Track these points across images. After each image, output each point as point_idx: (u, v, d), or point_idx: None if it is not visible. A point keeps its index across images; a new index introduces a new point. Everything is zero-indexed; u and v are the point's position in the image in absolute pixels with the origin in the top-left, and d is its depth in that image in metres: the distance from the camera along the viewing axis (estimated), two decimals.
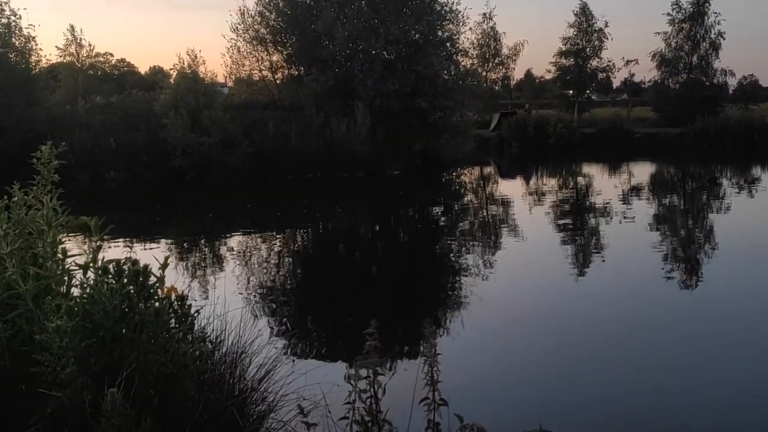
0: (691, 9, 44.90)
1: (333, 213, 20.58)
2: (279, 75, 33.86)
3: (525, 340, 8.02)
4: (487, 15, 50.66)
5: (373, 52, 29.88)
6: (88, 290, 4.05)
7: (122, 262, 4.09)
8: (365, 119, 28.25)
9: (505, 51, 52.07)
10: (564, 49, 48.74)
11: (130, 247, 12.15)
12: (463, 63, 36.03)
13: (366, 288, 11.18)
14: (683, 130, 40.68)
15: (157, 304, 4.11)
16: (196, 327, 4.49)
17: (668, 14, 45.50)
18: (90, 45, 49.62)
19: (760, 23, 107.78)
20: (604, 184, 26.88)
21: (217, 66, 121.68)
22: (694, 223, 17.47)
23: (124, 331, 3.97)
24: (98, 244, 4.09)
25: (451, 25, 31.94)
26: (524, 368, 7.13)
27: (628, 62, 51.05)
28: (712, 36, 45.16)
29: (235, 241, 15.33)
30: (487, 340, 8.12)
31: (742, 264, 12.04)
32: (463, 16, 32.50)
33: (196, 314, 4.44)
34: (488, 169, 36.29)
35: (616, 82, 57.12)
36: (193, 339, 4.24)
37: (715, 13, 44.98)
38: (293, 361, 6.93)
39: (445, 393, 3.08)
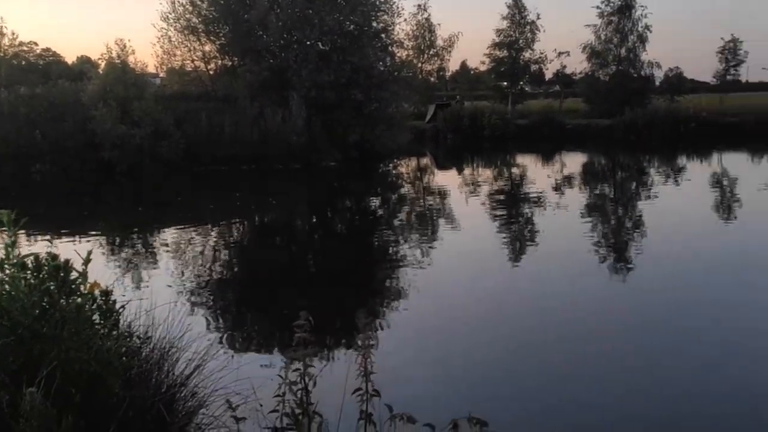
0: (619, 2, 45.99)
1: (268, 205, 20.35)
2: (212, 65, 33.29)
3: (460, 330, 8.06)
4: (422, 6, 50.81)
5: (308, 42, 29.64)
6: (5, 287, 3.87)
7: (41, 257, 3.92)
8: (300, 110, 28.01)
9: (440, 42, 52.36)
10: (497, 41, 49.37)
11: (53, 243, 11.74)
12: (398, 54, 36.15)
13: (301, 280, 11.07)
14: (613, 121, 41.67)
15: (79, 299, 3.94)
16: (122, 323, 4.34)
17: (597, 7, 46.55)
18: (13, 34, 47.92)
19: (684, 17, 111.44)
20: (537, 175, 27.34)
21: (147, 56, 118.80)
22: (625, 211, 17.92)
23: (44, 328, 3.79)
24: (13, 238, 3.89)
25: (386, 16, 31.94)
26: (458, 357, 7.16)
27: (559, 54, 51.98)
28: (640, 29, 46.40)
29: (167, 234, 14.99)
30: (422, 330, 8.13)
31: (671, 250, 12.39)
32: (397, 7, 32.56)
33: (121, 310, 4.29)
34: (424, 160, 36.49)
35: (548, 74, 58.00)
36: (118, 335, 4.09)
37: (642, 6, 46.27)
38: (231, 356, 6.82)
39: (378, 384, 3.04)
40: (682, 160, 32.40)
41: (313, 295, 9.82)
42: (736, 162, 31.10)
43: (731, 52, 50.77)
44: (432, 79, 54.69)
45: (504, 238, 13.99)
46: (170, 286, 9.68)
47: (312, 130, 28.32)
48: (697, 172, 27.30)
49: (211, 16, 31.29)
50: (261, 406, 3.60)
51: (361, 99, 29.42)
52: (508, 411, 5.70)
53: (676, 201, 19.10)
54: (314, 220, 18.25)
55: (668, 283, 9.95)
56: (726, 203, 18.35)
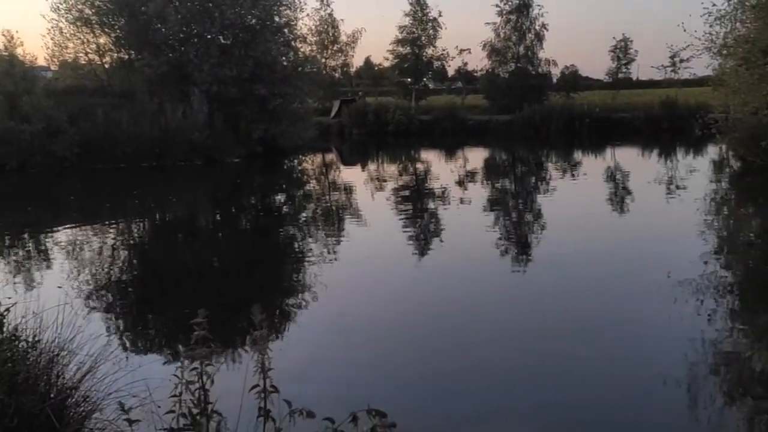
0: (517, 1, 47.32)
1: (168, 202, 19.82)
2: (107, 59, 32.03)
3: (362, 326, 8.07)
4: (325, 2, 50.74)
5: (209, 36, 29.06)
6: None
7: None
8: (202, 106, 27.41)
9: (343, 38, 52.45)
10: (400, 37, 49.91)
11: None
12: (301, 49, 35.96)
13: (203, 278, 10.83)
14: (512, 117, 42.88)
15: None
16: (7, 326, 4.11)
17: (497, 6, 47.72)
18: None
19: (580, 16, 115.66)
20: (441, 170, 27.78)
21: (37, 48, 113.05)
22: (525, 206, 18.44)
23: None
24: None
25: (288, 11, 31.69)
26: (359, 352, 7.18)
27: (461, 51, 53.08)
28: (537, 27, 47.95)
29: (60, 234, 14.34)
30: (325, 325, 8.10)
31: (568, 243, 12.83)
32: (300, 2, 32.38)
33: (6, 312, 4.06)
34: (330, 156, 36.46)
35: (450, 71, 59.18)
36: (1, 339, 3.87)
37: (539, 5, 47.84)
38: (127, 357, 6.60)
39: (278, 380, 3.00)
40: (578, 155, 33.66)
41: (215, 293, 9.63)
42: (627, 156, 32.56)
43: (622, 51, 53.17)
44: (336, 74, 54.72)
45: (409, 233, 14.13)
46: (61, 287, 9.25)
47: (214, 126, 27.76)
48: (592, 166, 28.42)
49: (105, 8, 30.10)
50: (159, 407, 3.49)
51: (265, 94, 29.06)
52: (408, 403, 5.76)
53: (572, 195, 19.79)
54: (217, 217, 17.90)
55: (564, 275, 10.31)
56: (619, 197, 19.19)
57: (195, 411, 2.97)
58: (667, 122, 40.33)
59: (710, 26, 22.52)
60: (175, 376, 3.07)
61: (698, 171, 24.85)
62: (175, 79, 28.44)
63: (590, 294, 9.17)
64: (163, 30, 28.89)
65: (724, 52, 22.25)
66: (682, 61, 45.79)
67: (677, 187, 20.14)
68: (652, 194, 19.02)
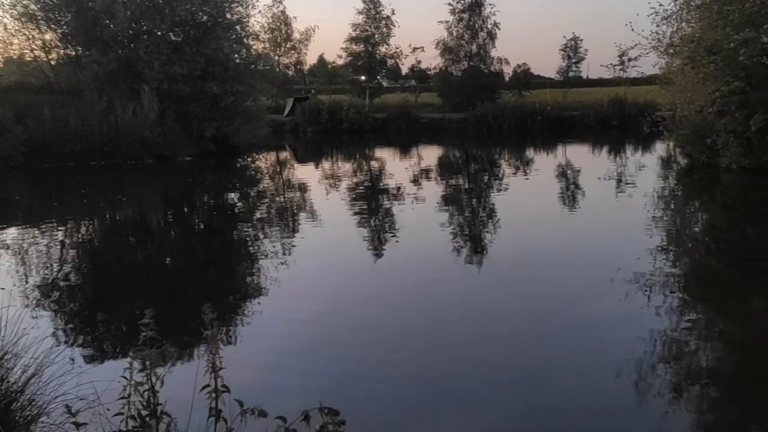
0: (470, 0, 47.66)
1: (118, 202, 19.44)
2: (54, 55, 31.31)
3: (316, 324, 8.03)
4: None
5: (159, 33, 28.59)
6: None
7: None
8: (152, 103, 26.96)
9: (296, 36, 52.22)
10: (354, 35, 49.81)
11: None
12: (254, 47, 35.63)
13: (155, 278, 10.67)
14: (466, 115, 43.23)
15: None
16: None
17: (449, 4, 48.00)
18: None
19: (530, 15, 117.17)
20: (396, 167, 27.84)
21: None
22: (479, 202, 18.59)
23: None
24: None
25: (240, 8, 31.39)
26: (314, 351, 7.14)
27: (414, 49, 53.23)
28: (489, 26, 48.39)
29: (4, 234, 13.95)
30: (278, 324, 8.05)
31: (521, 238, 13.00)
32: None
33: None
34: (284, 154, 36.23)
35: (404, 69, 59.37)
36: None
37: (491, 4, 48.33)
38: (74, 359, 6.46)
39: (230, 379, 2.97)
40: (530, 152, 34.07)
41: (167, 293, 9.50)
42: (578, 154, 33.08)
43: (573, 50, 54.03)
44: (290, 72, 54.46)
45: (364, 232, 14.13)
46: (4, 289, 8.98)
47: (166, 124, 27.35)
48: (544, 163, 28.79)
49: (51, 3, 29.41)
50: (108, 410, 3.42)
51: (217, 92, 28.73)
52: (361, 403, 5.75)
53: (525, 192, 20.02)
54: (169, 216, 17.62)
55: (518, 272, 10.45)
56: (570, 193, 19.49)
57: (144, 413, 2.92)
58: (617, 120, 41.16)
59: (657, 26, 23.03)
60: (124, 377, 3.01)
61: (647, 168, 25.39)
62: (124, 76, 27.92)
63: (543, 290, 9.28)
64: (112, 26, 28.34)
65: (671, 51, 22.75)
66: (630, 60, 46.75)
67: (626, 184, 20.55)
68: (603, 191, 19.37)
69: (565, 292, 9.14)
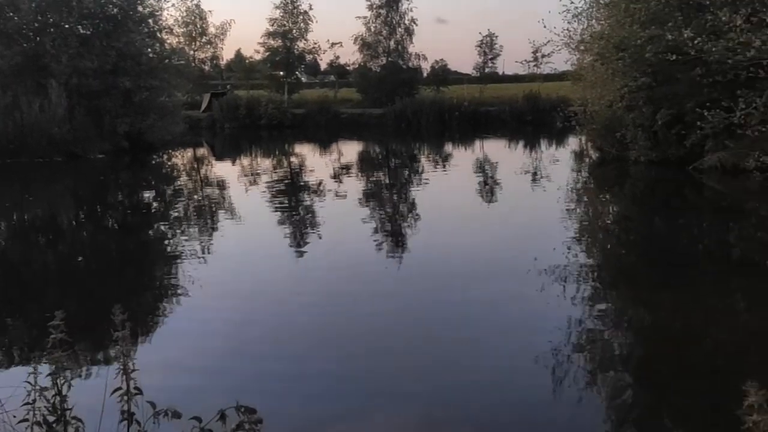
0: None
1: (25, 202, 18.61)
2: None
3: (236, 322, 7.87)
4: None
5: (67, 26, 27.54)
6: None
7: None
8: (61, 99, 25.91)
9: (212, 30, 51.17)
10: (271, 30, 49.18)
11: None
12: (168, 41, 34.83)
13: (66, 281, 10.26)
14: (385, 110, 43.46)
15: None
16: None
17: (367, 0, 48.07)
18: None
19: (447, 12, 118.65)
20: (316, 163, 27.73)
21: None
22: (399, 196, 18.70)
23: None
24: None
25: (152, 1, 30.63)
26: (233, 351, 7.01)
27: (333, 45, 53.09)
28: (407, 22, 48.75)
29: None
30: (194, 324, 7.83)
31: (441, 231, 13.14)
32: None
33: None
34: (201, 151, 35.54)
35: (323, 64, 59.21)
36: None
37: (408, 0, 48.65)
38: None
39: (145, 382, 2.88)
40: (448, 147, 34.55)
41: (79, 295, 9.15)
42: (495, 148, 33.74)
43: (488, 47, 55.01)
44: (206, 67, 53.36)
45: (285, 228, 14.00)
46: None
47: (75, 120, 26.35)
48: (462, 158, 29.23)
49: None
50: (14, 417, 3.25)
51: (130, 87, 27.90)
52: (279, 399, 5.68)
53: (444, 186, 20.27)
54: (81, 215, 17.00)
55: (438, 265, 10.57)
56: (488, 187, 19.84)
57: (51, 418, 2.79)
58: (531, 115, 42.18)
59: (568, 23, 23.69)
60: (28, 382, 2.87)
61: (560, 161, 26.14)
62: (30, 70, 26.73)
63: (462, 283, 9.39)
64: (16, 19, 27.05)
65: (582, 47, 23.42)
66: (543, 56, 47.98)
67: (542, 177, 21.09)
68: (519, 184, 19.82)
69: (482, 283, 9.29)
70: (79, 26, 28.17)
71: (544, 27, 25.48)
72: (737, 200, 15.88)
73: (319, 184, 20.43)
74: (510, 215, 14.98)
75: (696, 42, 16.34)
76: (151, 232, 14.38)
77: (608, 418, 5.52)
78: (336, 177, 22.16)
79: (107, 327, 7.23)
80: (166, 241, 13.15)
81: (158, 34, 31.65)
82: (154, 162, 28.76)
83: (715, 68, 16.98)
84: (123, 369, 2.67)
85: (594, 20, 23.29)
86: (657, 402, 5.81)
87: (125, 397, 2.64)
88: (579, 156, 27.48)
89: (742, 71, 16.50)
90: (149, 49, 30.34)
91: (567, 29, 23.64)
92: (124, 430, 2.64)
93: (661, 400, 5.81)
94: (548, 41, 32.76)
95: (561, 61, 68.19)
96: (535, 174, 21.99)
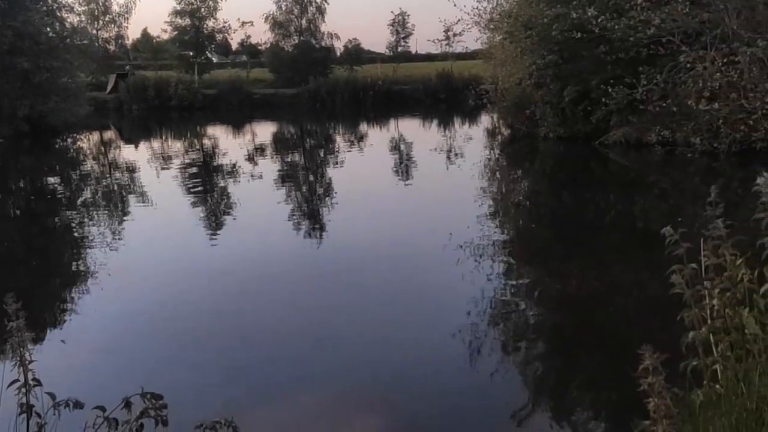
0: None
1: None
2: None
3: (144, 311, 7.63)
4: None
5: None
6: None
7: None
8: None
9: (115, 8, 49.21)
10: (179, 8, 47.62)
11: None
12: (69, 20, 33.33)
13: None
14: (298, 90, 43.03)
15: None
16: None
17: None
18: None
19: None
20: (229, 145, 27.23)
21: None
22: (315, 177, 18.60)
23: None
24: None
25: None
26: (143, 338, 6.84)
27: (243, 24, 52.11)
28: (318, 1, 48.19)
29: None
30: (101, 313, 7.55)
31: (357, 210, 13.14)
32: None
33: None
34: (109, 134, 34.33)
35: (234, 44, 57.98)
36: None
37: None
38: None
39: (47, 374, 2.76)
40: (363, 127, 34.53)
41: None
42: (409, 127, 33.93)
43: (401, 25, 55.14)
44: (111, 47, 51.33)
45: (199, 212, 13.71)
46: None
47: None
48: (378, 137, 29.31)
49: None
50: None
51: (28, 67, 26.67)
52: (184, 386, 5.56)
53: (360, 166, 20.30)
54: None
55: (356, 244, 10.60)
56: (404, 166, 19.97)
57: None
58: (444, 93, 42.56)
59: (478, 2, 23.97)
60: None
61: (473, 139, 26.57)
62: None
63: (380, 260, 9.47)
64: None
65: (491, 26, 23.77)
66: (455, 35, 48.31)
67: (455, 155, 21.38)
68: (434, 162, 20.01)
69: (400, 260, 9.37)
70: None
71: (455, 6, 25.69)
72: (641, 173, 16.52)
73: (234, 166, 20.08)
74: (425, 192, 15.14)
75: (599, 20, 16.81)
76: (57, 218, 13.82)
77: (523, 385, 5.69)
78: (251, 159, 21.82)
79: (7, 317, 6.96)
80: (73, 228, 12.67)
81: (58, 13, 30.37)
82: (57, 146, 27.62)
83: (618, 46, 17.53)
84: (20, 360, 2.55)
85: None
86: (566, 368, 6.02)
87: (23, 389, 2.52)
88: (491, 133, 27.94)
89: (643, 48, 17.11)
90: (48, 29, 29.07)
91: (477, 8, 23.95)
92: (22, 424, 2.53)
93: (571, 367, 6.02)
94: (459, 20, 32.99)
95: (472, 39, 68.87)
96: (449, 152, 22.26)
